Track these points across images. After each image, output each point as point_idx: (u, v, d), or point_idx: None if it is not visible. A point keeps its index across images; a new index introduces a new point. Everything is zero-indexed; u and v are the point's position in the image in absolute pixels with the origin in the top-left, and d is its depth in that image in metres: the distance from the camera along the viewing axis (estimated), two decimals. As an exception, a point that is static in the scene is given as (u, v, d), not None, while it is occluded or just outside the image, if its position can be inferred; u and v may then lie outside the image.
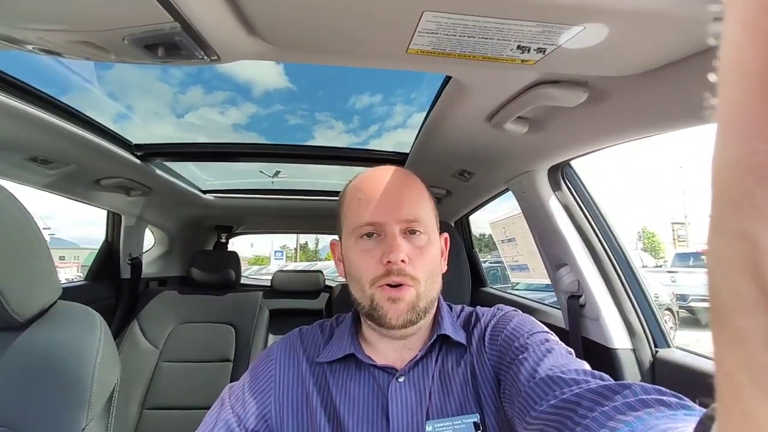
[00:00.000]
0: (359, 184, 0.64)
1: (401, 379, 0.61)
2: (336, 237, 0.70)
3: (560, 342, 0.59)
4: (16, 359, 0.68)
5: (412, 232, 0.60)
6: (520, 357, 0.56)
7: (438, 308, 0.67)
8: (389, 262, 0.57)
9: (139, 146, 1.41)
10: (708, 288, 0.13)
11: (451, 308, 0.71)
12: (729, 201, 0.12)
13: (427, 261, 0.60)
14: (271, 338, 2.12)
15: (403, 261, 0.57)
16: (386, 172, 0.64)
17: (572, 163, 1.18)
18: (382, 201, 0.60)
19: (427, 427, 0.57)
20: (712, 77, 0.13)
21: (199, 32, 0.58)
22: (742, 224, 0.11)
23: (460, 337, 0.64)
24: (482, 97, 0.86)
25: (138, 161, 1.43)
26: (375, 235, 0.60)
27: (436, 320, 0.66)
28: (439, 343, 0.64)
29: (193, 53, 0.64)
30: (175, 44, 0.61)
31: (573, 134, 0.96)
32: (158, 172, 1.58)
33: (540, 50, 0.62)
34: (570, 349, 0.58)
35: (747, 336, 0.11)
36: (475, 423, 0.57)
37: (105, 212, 1.98)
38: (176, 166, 1.72)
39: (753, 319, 0.11)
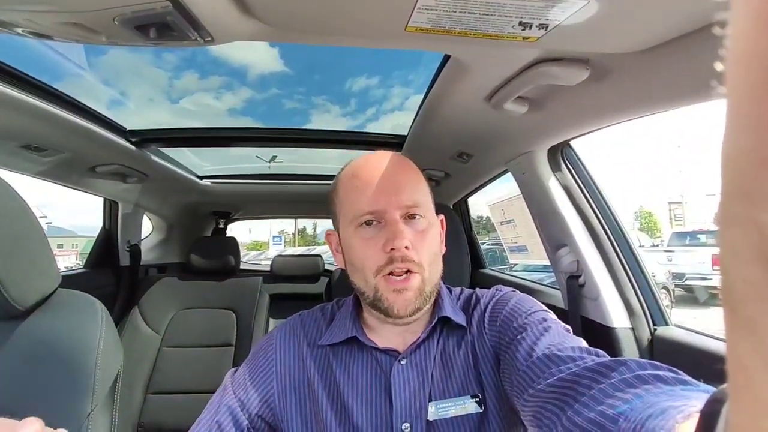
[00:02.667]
0: (355, 171, 0.63)
1: (403, 362, 0.61)
2: (331, 227, 0.69)
3: (558, 320, 0.59)
4: (19, 347, 0.69)
5: (412, 216, 0.60)
6: (519, 337, 0.56)
7: (438, 291, 0.67)
8: (392, 249, 0.56)
9: (133, 132, 1.40)
10: (720, 276, 0.13)
11: (450, 291, 0.71)
12: (740, 192, 0.12)
13: (428, 245, 0.60)
14: (272, 322, 2.14)
15: (406, 248, 0.56)
16: (381, 157, 0.63)
17: (572, 143, 1.17)
18: (380, 187, 0.59)
19: (429, 408, 0.58)
20: (718, 66, 0.12)
21: (191, 12, 0.57)
22: (753, 215, 0.11)
23: (460, 319, 0.64)
24: (482, 77, 0.84)
25: (133, 147, 1.41)
26: (375, 222, 0.59)
27: (437, 303, 0.66)
28: (440, 325, 0.65)
29: (186, 34, 0.62)
30: (167, 25, 0.59)
31: (574, 113, 0.95)
32: (154, 158, 1.56)
33: (542, 26, 0.61)
34: (567, 326, 0.58)
35: (759, 323, 0.11)
36: (476, 402, 0.58)
37: (102, 200, 1.97)
38: (172, 152, 1.71)
39: (765, 307, 0.11)
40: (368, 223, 0.59)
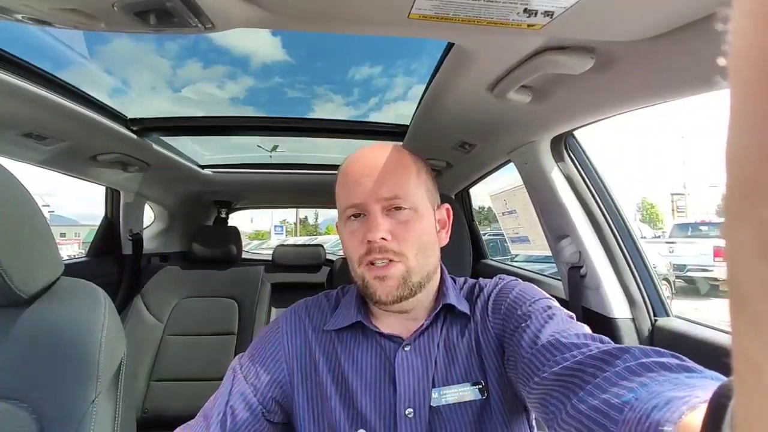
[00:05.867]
0: (345, 167, 0.65)
1: (407, 348, 0.62)
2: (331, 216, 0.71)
3: (562, 308, 0.60)
4: (23, 335, 0.69)
5: (398, 208, 0.60)
6: (523, 325, 0.57)
7: (442, 279, 0.68)
8: (370, 241, 0.58)
9: (134, 121, 1.39)
10: (727, 273, 0.13)
11: (455, 281, 0.71)
12: (744, 189, 0.12)
13: (414, 235, 0.60)
14: (274, 311, 2.16)
15: (384, 239, 0.58)
16: (371, 152, 0.64)
17: (575, 133, 1.16)
18: (362, 182, 0.60)
19: (433, 393, 0.58)
20: (721, 62, 0.12)
21: (191, -2, 0.56)
22: (759, 211, 0.11)
23: (463, 307, 0.65)
24: (485, 65, 0.83)
25: (134, 136, 1.41)
26: (361, 215, 0.61)
27: (441, 291, 0.67)
28: (444, 313, 0.65)
29: (187, 21, 0.62)
30: (167, 11, 0.59)
31: (577, 103, 0.94)
32: (155, 147, 1.56)
33: (547, 14, 0.60)
34: (571, 313, 0.59)
35: (767, 320, 0.11)
36: (479, 389, 0.59)
37: (104, 188, 1.97)
38: (174, 141, 1.70)
39: None
40: (355, 216, 0.62)
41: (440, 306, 0.64)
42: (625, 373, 0.40)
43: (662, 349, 0.42)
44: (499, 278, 0.69)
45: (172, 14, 0.59)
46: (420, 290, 0.61)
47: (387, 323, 0.65)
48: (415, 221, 0.61)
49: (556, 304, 0.61)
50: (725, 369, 0.13)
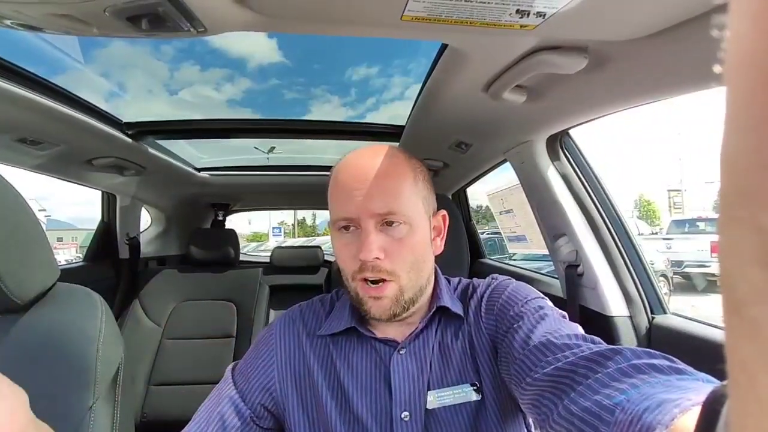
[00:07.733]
0: (337, 171, 0.62)
1: (402, 352, 0.62)
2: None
3: (554, 307, 0.60)
4: (19, 341, 0.69)
5: (389, 223, 0.58)
6: (515, 325, 0.57)
7: (436, 281, 0.68)
8: (362, 260, 0.56)
9: (130, 124, 1.39)
10: (721, 277, 0.13)
11: (449, 282, 0.71)
12: (740, 192, 0.12)
13: (407, 252, 0.58)
14: (272, 314, 2.15)
15: (377, 258, 0.56)
16: (364, 158, 0.60)
17: (571, 132, 1.17)
18: (355, 194, 0.57)
19: (428, 396, 0.58)
20: (717, 69, 0.12)
21: (183, 2, 0.56)
22: (754, 215, 0.11)
23: (457, 308, 0.65)
24: (479, 66, 0.83)
25: (129, 140, 1.40)
26: (352, 228, 0.59)
27: (435, 293, 0.66)
28: (438, 315, 0.65)
29: (179, 25, 0.61)
30: (159, 15, 0.58)
31: (572, 102, 0.94)
32: (151, 150, 1.56)
33: (540, 14, 0.60)
34: (564, 312, 0.59)
35: (762, 325, 0.11)
36: (474, 391, 0.59)
37: (100, 193, 1.96)
38: (169, 144, 1.70)
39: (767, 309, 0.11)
40: (346, 227, 0.59)
41: (434, 308, 0.64)
42: (616, 375, 0.40)
43: (654, 351, 0.42)
44: (492, 278, 0.69)
45: (164, 19, 0.59)
46: (413, 305, 0.60)
47: (381, 328, 0.65)
48: (409, 236, 0.58)
49: (548, 303, 0.60)
50: (722, 366, 0.13)
